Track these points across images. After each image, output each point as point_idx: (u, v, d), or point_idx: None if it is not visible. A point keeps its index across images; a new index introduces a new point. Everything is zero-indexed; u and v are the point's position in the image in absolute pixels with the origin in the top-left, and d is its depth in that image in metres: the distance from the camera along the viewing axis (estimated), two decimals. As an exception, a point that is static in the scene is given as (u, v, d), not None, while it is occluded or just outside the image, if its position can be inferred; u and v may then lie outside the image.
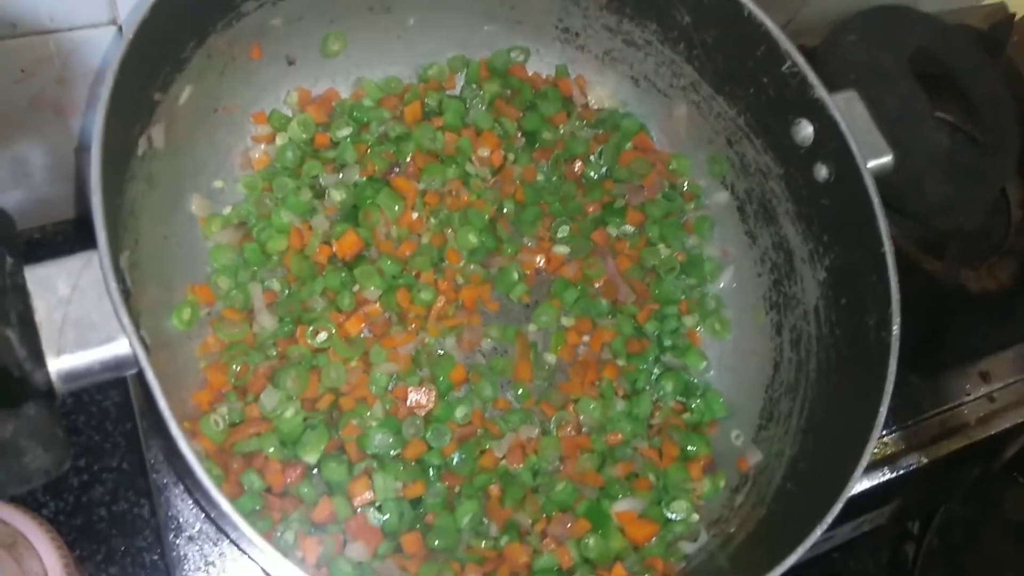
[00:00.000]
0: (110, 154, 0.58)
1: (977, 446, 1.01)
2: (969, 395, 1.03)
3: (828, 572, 1.16)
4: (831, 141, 0.76)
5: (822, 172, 0.78)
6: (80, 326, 0.53)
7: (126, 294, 0.55)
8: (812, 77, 0.76)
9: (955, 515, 1.18)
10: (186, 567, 0.76)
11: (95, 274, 0.55)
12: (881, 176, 0.77)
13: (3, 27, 0.74)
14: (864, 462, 0.64)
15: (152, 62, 0.66)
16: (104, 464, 0.92)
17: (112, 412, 0.94)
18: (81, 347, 0.53)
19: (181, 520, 0.78)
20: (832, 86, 0.78)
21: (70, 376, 0.53)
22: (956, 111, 1.08)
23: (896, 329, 0.69)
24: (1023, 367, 1.06)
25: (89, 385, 0.55)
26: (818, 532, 0.61)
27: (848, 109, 0.78)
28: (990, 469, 1.10)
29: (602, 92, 0.95)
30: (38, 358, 0.52)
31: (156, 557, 0.88)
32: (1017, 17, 1.25)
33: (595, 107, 0.95)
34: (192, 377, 0.76)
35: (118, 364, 0.54)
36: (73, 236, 1.00)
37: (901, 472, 0.97)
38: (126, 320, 0.53)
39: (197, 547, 0.77)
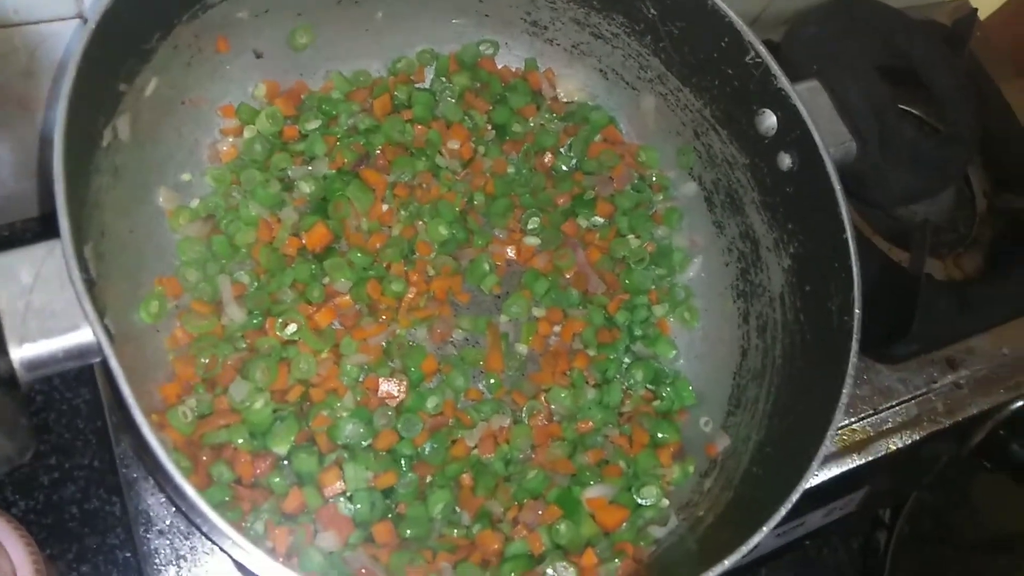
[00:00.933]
0: (73, 144, 0.58)
1: (945, 433, 1.03)
2: (936, 382, 1.04)
3: (801, 559, 1.17)
4: (794, 130, 0.78)
5: (786, 161, 0.79)
6: (43, 315, 0.53)
7: (90, 283, 0.55)
8: (775, 67, 0.77)
9: (925, 502, 1.20)
10: (156, 561, 0.76)
11: (58, 263, 0.54)
12: (844, 165, 0.79)
13: (-34, 20, 0.74)
14: (826, 444, 0.65)
15: (117, 52, 0.66)
16: (75, 462, 0.91)
17: (83, 410, 0.93)
18: (44, 335, 0.53)
19: (151, 515, 0.77)
20: (795, 77, 0.79)
21: (33, 364, 0.53)
22: (919, 104, 1.10)
23: (858, 313, 0.70)
24: (989, 354, 1.07)
25: (53, 373, 0.54)
26: (782, 512, 0.62)
27: (811, 99, 0.79)
28: (958, 456, 1.11)
29: (571, 85, 0.96)
30: (0, 346, 0.51)
31: (128, 554, 0.88)
32: (981, 14, 1.27)
33: (564, 100, 0.96)
34: (161, 370, 0.76)
35: (81, 352, 0.54)
36: (41, 234, 0.99)
37: (870, 459, 0.98)
38: (88, 307, 0.53)
39: (168, 541, 0.77)
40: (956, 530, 1.24)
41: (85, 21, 0.80)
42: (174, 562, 0.76)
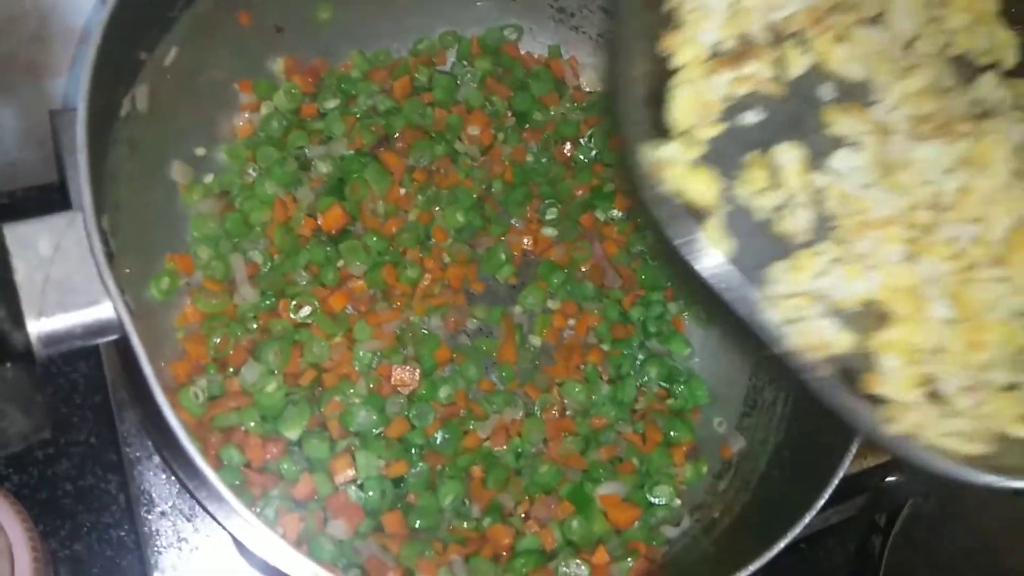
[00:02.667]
0: (94, 113, 0.56)
1: (948, 440, 1.03)
2: (942, 390, 1.04)
3: (798, 561, 1.17)
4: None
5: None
6: (62, 288, 0.51)
7: (110, 256, 0.53)
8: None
9: (921, 508, 1.20)
10: (158, 543, 0.74)
11: (78, 235, 0.52)
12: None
13: (-23, -21, 0.71)
14: (852, 452, 0.64)
15: (140, 20, 0.64)
16: (71, 438, 0.89)
17: (81, 384, 0.91)
18: (63, 309, 0.51)
19: (154, 495, 0.76)
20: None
21: (50, 339, 0.51)
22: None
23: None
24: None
25: (69, 350, 0.52)
26: (806, 519, 0.61)
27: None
28: (959, 464, 1.11)
29: (595, 75, 0.94)
30: (17, 320, 0.50)
31: (123, 533, 0.86)
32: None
33: (587, 89, 0.95)
34: (169, 348, 0.74)
35: (101, 328, 0.52)
36: (44, 201, 0.97)
37: (876, 463, 0.97)
38: (111, 282, 0.51)
39: (170, 522, 0.75)
40: (950, 537, 1.25)
41: (102, -14, 0.77)
42: (175, 544, 0.75)
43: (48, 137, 0.87)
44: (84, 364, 0.92)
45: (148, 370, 0.50)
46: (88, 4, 0.79)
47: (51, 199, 0.97)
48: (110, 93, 0.63)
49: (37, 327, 0.51)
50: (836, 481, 0.63)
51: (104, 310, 0.52)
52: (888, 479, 1.03)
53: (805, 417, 0.76)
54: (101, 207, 0.58)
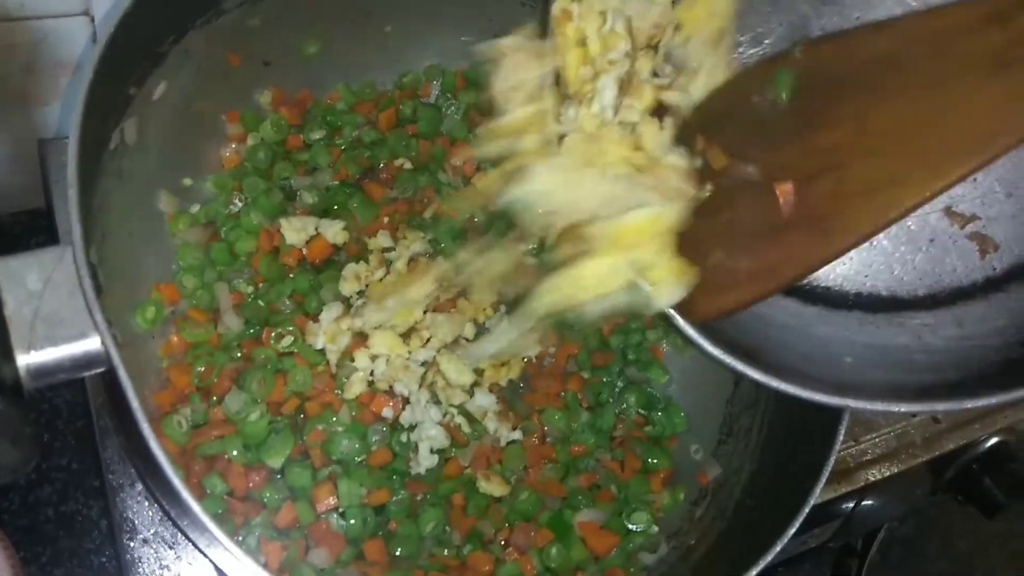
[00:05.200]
0: (85, 147, 0.57)
1: (921, 466, 1.05)
2: (915, 416, 1.06)
3: (774, 584, 1.18)
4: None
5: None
6: (51, 322, 0.52)
7: (98, 290, 0.54)
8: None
9: (897, 532, 1.22)
10: (140, 570, 0.75)
11: (68, 269, 0.53)
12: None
13: (-30, 12, 0.73)
14: (823, 480, 0.66)
15: (130, 55, 0.65)
16: (53, 463, 0.89)
17: (63, 410, 0.92)
18: (51, 343, 0.52)
19: (136, 522, 0.76)
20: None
21: (39, 372, 0.52)
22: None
23: (856, 351, 0.71)
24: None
25: (57, 383, 0.53)
26: (778, 547, 0.63)
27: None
28: (933, 489, 1.13)
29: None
30: (7, 353, 0.50)
31: (104, 559, 0.86)
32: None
33: (568, 122, 0.96)
34: (154, 376, 0.75)
35: (89, 362, 0.53)
36: (31, 227, 0.97)
37: (850, 489, 0.99)
38: (99, 317, 0.52)
39: (152, 550, 0.76)
40: (926, 560, 1.26)
41: (92, 19, 0.79)
42: (157, 571, 0.75)
43: (34, 164, 0.88)
44: (67, 390, 0.92)
45: (135, 403, 0.51)
46: (77, 36, 0.80)
47: (38, 225, 0.97)
48: (100, 127, 0.64)
49: (26, 360, 0.51)
50: (807, 509, 0.64)
51: (92, 343, 0.53)
52: (864, 503, 1.04)
53: (779, 444, 0.77)
54: (89, 239, 0.59)
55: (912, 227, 0.60)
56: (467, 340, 0.84)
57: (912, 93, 0.45)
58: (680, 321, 0.58)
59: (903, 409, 0.56)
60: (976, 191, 0.59)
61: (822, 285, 0.62)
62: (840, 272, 0.62)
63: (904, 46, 0.48)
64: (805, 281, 0.62)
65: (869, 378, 0.59)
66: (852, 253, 0.60)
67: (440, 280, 0.81)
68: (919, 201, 0.46)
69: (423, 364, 0.81)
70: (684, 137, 0.57)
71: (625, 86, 0.57)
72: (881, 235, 0.60)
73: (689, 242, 0.57)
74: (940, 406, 0.57)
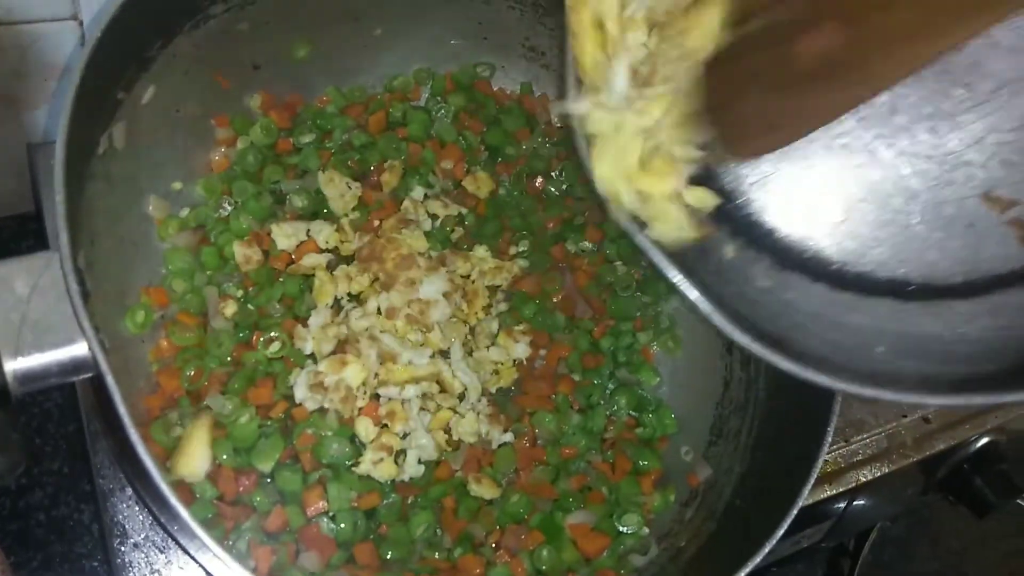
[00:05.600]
0: (72, 152, 0.57)
1: (912, 466, 1.05)
2: (906, 416, 1.06)
3: (766, 585, 1.19)
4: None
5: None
6: (38, 328, 0.52)
7: (86, 296, 0.54)
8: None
9: (889, 532, 1.22)
10: (131, 574, 0.75)
11: (55, 275, 0.54)
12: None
13: (-42, 17, 0.73)
14: (811, 481, 0.66)
15: (118, 60, 0.66)
16: (44, 467, 0.89)
17: (54, 414, 0.92)
18: (39, 349, 0.52)
19: (127, 526, 0.76)
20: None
21: (26, 378, 0.52)
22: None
23: (844, 353, 0.71)
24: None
25: (44, 388, 0.53)
26: (767, 548, 0.63)
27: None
28: (924, 489, 1.14)
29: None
30: (-7, 359, 0.51)
31: (96, 564, 0.86)
32: None
33: (558, 124, 0.97)
34: (143, 380, 0.75)
35: (76, 367, 0.53)
36: (19, 231, 0.97)
37: (841, 490, 0.99)
38: (87, 323, 0.52)
39: (143, 554, 0.76)
40: (918, 560, 1.27)
41: (81, 23, 0.79)
42: (148, 575, 0.75)
43: (23, 168, 0.87)
44: (58, 394, 0.92)
45: (122, 408, 0.51)
46: (66, 41, 0.80)
47: (26, 229, 0.97)
48: (88, 131, 0.64)
49: (13, 366, 0.52)
50: (796, 510, 0.64)
51: (79, 349, 0.53)
52: (856, 503, 1.05)
53: (768, 446, 0.78)
54: (77, 245, 0.59)
55: (949, 212, 0.59)
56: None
57: None
58: (716, 317, 0.56)
59: (937, 402, 0.55)
60: (1017, 175, 0.58)
61: (854, 271, 0.61)
62: (873, 258, 0.60)
63: None
64: (836, 265, 0.61)
65: (901, 369, 0.58)
66: (885, 239, 0.60)
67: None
68: (965, 36, 0.44)
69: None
70: None
71: (640, 77, 0.57)
72: (916, 219, 0.59)
73: (720, 84, 0.55)
74: (976, 399, 0.56)
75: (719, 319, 0.56)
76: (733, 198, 0.61)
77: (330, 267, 0.83)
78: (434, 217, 0.88)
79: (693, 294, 0.57)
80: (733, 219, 0.61)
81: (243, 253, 0.80)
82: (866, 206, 0.60)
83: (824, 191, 0.60)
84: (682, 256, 0.58)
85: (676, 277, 0.57)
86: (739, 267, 0.60)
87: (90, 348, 0.52)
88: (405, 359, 0.79)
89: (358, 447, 0.77)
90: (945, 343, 0.59)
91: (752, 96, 0.54)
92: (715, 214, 0.60)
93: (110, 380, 0.52)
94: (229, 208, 0.82)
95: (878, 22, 0.45)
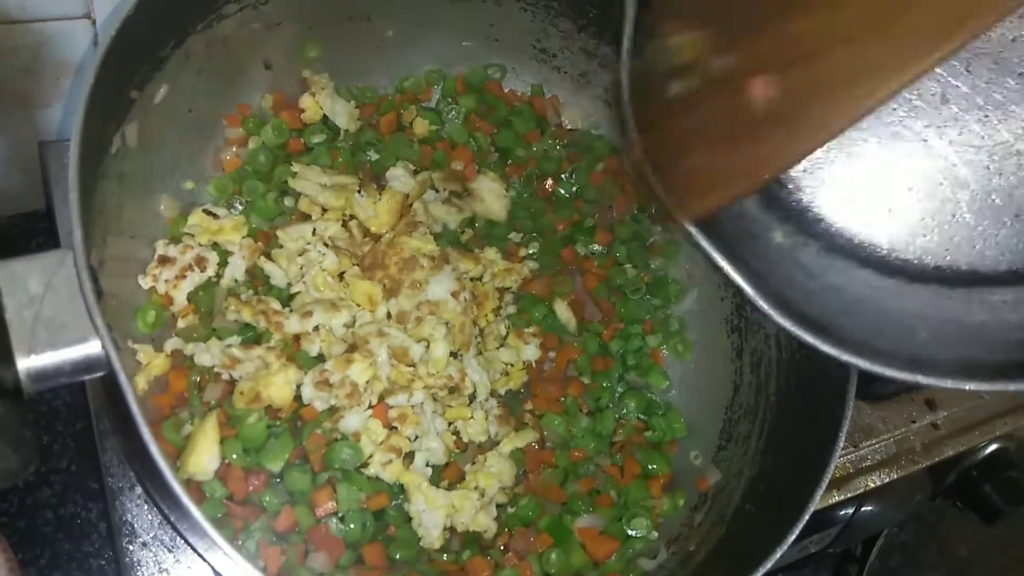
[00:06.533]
0: (86, 151, 0.57)
1: (921, 472, 1.05)
2: (915, 422, 1.06)
3: (773, 590, 1.18)
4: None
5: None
6: (51, 325, 0.52)
7: (99, 295, 0.54)
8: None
9: (896, 538, 1.22)
10: (139, 573, 0.75)
11: (68, 273, 0.54)
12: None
13: (-29, 15, 0.73)
14: (823, 486, 0.66)
15: (132, 59, 0.66)
16: (52, 466, 0.89)
17: (63, 412, 0.92)
18: (52, 347, 0.52)
19: (136, 525, 0.76)
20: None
21: (39, 376, 0.52)
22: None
23: (855, 358, 0.71)
24: (966, 396, 1.09)
25: (57, 386, 0.53)
26: (778, 553, 0.63)
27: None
28: (932, 495, 1.13)
29: (576, 113, 0.97)
30: (7, 356, 0.50)
31: (104, 563, 0.86)
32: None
33: (568, 127, 0.97)
34: (153, 380, 0.75)
35: (89, 365, 0.53)
36: (29, 229, 0.98)
37: (850, 495, 0.99)
38: (100, 322, 0.52)
39: (151, 553, 0.76)
40: (925, 566, 1.26)
41: (93, 22, 0.79)
42: (156, 574, 0.75)
43: (34, 166, 0.88)
44: (66, 392, 0.92)
45: (135, 407, 0.51)
46: (79, 39, 0.80)
47: (36, 227, 0.98)
48: (101, 130, 0.64)
49: (26, 364, 0.51)
50: (807, 515, 0.64)
51: (92, 347, 0.53)
52: (864, 509, 1.04)
53: (778, 450, 0.77)
54: (90, 243, 0.59)
55: (998, 202, 0.59)
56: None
57: None
58: (760, 301, 0.58)
59: (977, 388, 0.56)
60: None
61: (901, 256, 0.62)
62: (920, 244, 0.61)
63: None
64: (884, 251, 0.62)
65: (944, 354, 0.59)
66: (933, 227, 0.61)
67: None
68: (894, 89, 0.45)
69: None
70: (657, 25, 0.57)
71: None
72: (964, 208, 0.60)
73: (665, 142, 0.58)
74: (1016, 386, 0.57)
75: (764, 303, 0.58)
76: (783, 184, 0.61)
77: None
78: (444, 223, 0.87)
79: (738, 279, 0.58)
80: (783, 205, 0.61)
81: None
82: (915, 194, 0.61)
83: (874, 178, 0.61)
84: (729, 241, 0.59)
85: (723, 263, 0.58)
86: (787, 252, 0.61)
87: (103, 346, 0.52)
88: (416, 354, 0.78)
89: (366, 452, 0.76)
90: (988, 330, 0.60)
91: (697, 152, 0.56)
92: (765, 200, 0.60)
93: (123, 378, 0.52)
94: (240, 208, 0.82)
95: (806, 73, 0.45)
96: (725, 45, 0.53)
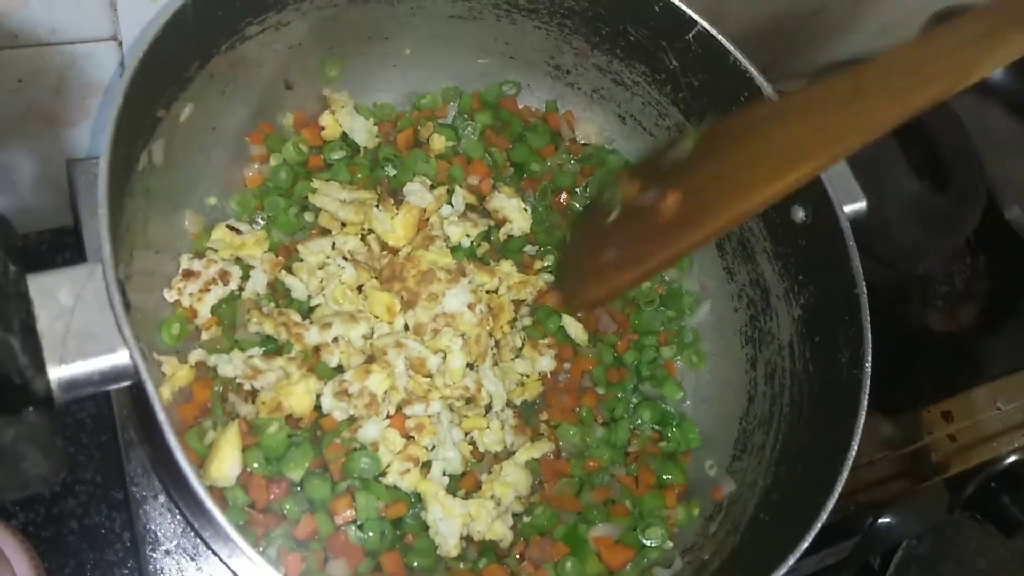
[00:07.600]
0: (115, 169, 0.59)
1: (938, 485, 1.05)
2: (932, 434, 1.06)
3: (791, 603, 1.18)
4: (809, 185, 0.79)
5: (799, 214, 0.81)
6: (81, 336, 0.54)
7: (127, 307, 0.56)
8: (793, 123, 0.79)
9: (915, 551, 1.21)
10: (162, 581, 0.76)
11: (98, 285, 0.55)
12: (855, 220, 0.81)
13: (4, 38, 0.75)
14: (835, 495, 0.66)
15: (159, 80, 0.68)
16: (77, 476, 0.91)
17: (88, 424, 0.93)
18: (82, 356, 0.54)
19: (159, 534, 0.78)
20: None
21: (70, 385, 0.53)
22: (921, 160, 1.13)
23: (868, 367, 0.72)
24: (983, 408, 1.09)
25: (86, 395, 0.55)
26: (790, 561, 0.63)
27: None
28: (951, 507, 1.13)
29: (589, 128, 0.98)
30: (39, 366, 0.52)
31: (127, 571, 0.88)
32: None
33: (582, 142, 0.98)
34: (177, 390, 0.76)
35: (117, 375, 0.55)
36: (56, 244, 1.00)
37: (865, 507, 0.99)
38: (128, 331, 0.54)
39: (174, 561, 0.77)
40: (944, 580, 1.26)
41: (120, 43, 0.81)
42: (179, 583, 0.77)
43: (61, 183, 0.90)
44: (92, 404, 0.94)
45: (161, 416, 0.53)
46: (106, 60, 0.83)
47: (63, 242, 1.00)
48: (129, 149, 0.66)
49: (58, 373, 0.53)
50: (820, 524, 0.65)
51: (121, 357, 0.55)
52: (881, 521, 1.04)
53: (792, 461, 0.78)
54: (118, 257, 0.61)
55: None
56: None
57: (757, 141, 0.65)
58: None
59: None
60: None
61: None
62: None
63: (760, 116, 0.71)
64: None
65: None
66: None
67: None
68: (752, 206, 0.64)
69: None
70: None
71: None
72: None
73: (593, 250, 0.75)
74: None
75: None
76: None
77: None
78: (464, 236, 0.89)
79: None
80: None
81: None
82: None
83: None
84: None
85: None
86: None
87: (131, 356, 0.54)
88: (433, 365, 0.80)
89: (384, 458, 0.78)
90: None
91: (612, 249, 0.73)
92: None
93: (150, 388, 0.53)
94: (262, 223, 0.84)
95: (705, 191, 0.66)
96: (658, 184, 0.71)
